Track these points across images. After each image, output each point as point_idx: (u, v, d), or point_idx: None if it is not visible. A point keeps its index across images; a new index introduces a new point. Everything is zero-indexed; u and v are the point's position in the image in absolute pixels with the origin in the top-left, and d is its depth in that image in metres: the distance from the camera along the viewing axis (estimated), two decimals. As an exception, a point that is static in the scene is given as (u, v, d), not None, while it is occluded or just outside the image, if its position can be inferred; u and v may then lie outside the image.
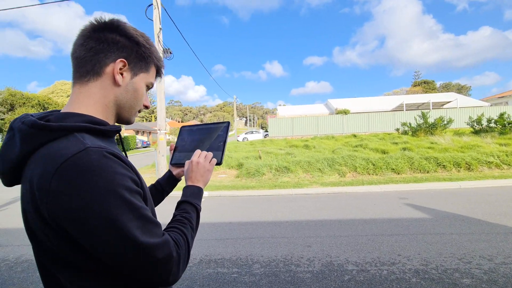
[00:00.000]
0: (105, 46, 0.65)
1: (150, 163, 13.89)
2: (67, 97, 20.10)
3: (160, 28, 9.23)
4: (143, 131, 42.92)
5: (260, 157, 10.65)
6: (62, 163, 0.51)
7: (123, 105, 0.71)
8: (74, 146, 0.54)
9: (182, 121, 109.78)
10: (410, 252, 3.15)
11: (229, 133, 1.04)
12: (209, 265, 3.07)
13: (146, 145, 36.43)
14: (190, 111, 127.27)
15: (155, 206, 1.01)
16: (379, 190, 6.56)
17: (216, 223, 4.56)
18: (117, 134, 0.75)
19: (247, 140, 29.38)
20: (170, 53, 9.45)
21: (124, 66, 0.68)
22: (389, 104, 32.02)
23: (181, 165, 1.03)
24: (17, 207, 6.39)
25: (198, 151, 0.92)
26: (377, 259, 3.02)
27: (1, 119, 15.21)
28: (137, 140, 33.51)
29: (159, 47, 9.10)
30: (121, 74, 0.68)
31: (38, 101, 16.87)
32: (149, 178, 9.41)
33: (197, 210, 0.80)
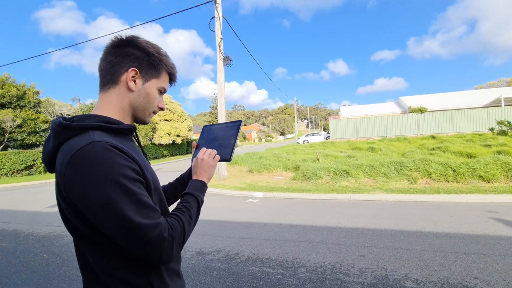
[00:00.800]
0: (120, 59, 0.77)
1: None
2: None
3: (221, 38, 9.89)
4: (210, 135, 46.56)
5: (318, 160, 10.30)
6: (73, 154, 0.63)
7: (137, 107, 0.82)
8: (84, 141, 0.65)
9: (245, 125, 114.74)
10: (492, 276, 2.59)
11: (239, 132, 1.08)
12: (255, 263, 3.13)
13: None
14: (253, 115, 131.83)
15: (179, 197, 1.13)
16: (459, 200, 5.57)
17: (267, 224, 4.62)
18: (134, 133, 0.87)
19: (308, 142, 28.76)
20: (230, 60, 10.03)
21: (136, 74, 0.79)
22: (480, 99, 26.88)
23: None
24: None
25: (203, 149, 0.99)
26: (445, 279, 2.58)
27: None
28: (204, 143, 36.41)
29: (219, 55, 9.78)
30: (134, 81, 0.79)
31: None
32: (212, 177, 10.13)
33: (198, 201, 0.87)
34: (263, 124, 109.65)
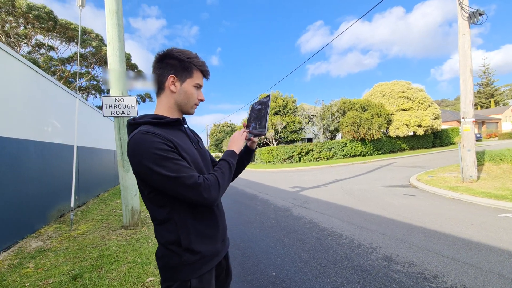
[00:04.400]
0: (162, 70, 1.05)
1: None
2: (383, 96, 22.34)
3: (464, -11, 7.29)
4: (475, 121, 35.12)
5: None
6: (129, 140, 0.98)
7: (180, 104, 1.08)
8: (135, 132, 0.97)
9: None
10: None
11: (269, 106, 1.18)
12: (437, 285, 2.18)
13: (477, 138, 29.48)
14: None
15: (239, 173, 1.33)
16: None
17: (492, 248, 2.91)
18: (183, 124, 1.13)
19: None
20: (480, 15, 7.10)
21: (174, 79, 1.04)
22: None
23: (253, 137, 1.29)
24: (335, 186, 8.63)
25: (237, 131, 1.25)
26: None
27: (338, 122, 20.79)
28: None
29: (461, 13, 7.27)
30: (174, 84, 1.05)
31: (360, 104, 20.70)
32: (453, 178, 7.85)
33: (228, 163, 1.10)
34: None
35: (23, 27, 16.33)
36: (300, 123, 21.59)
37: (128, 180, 4.50)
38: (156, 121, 1.01)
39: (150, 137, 0.91)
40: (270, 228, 4.49)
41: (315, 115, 21.67)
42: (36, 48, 18.35)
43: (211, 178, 0.97)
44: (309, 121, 22.14)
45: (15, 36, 16.46)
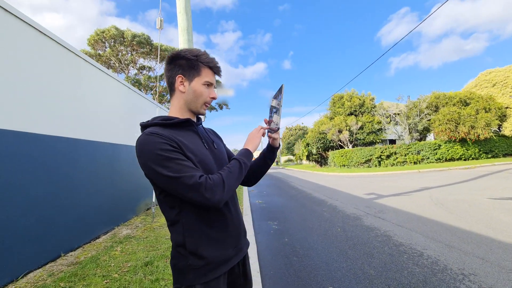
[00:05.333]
0: (171, 72, 1.05)
1: None
2: (493, 86, 17.87)
3: None
4: None
5: None
6: (137, 141, 0.98)
7: (189, 103, 1.06)
8: (142, 133, 0.99)
9: None
10: None
11: (282, 97, 1.09)
12: None
13: None
14: None
15: (263, 173, 1.26)
16: None
17: None
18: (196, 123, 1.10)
19: None
20: None
21: (182, 79, 1.03)
22: None
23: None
24: (421, 194, 7.36)
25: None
26: None
27: (428, 120, 17.77)
28: None
29: None
30: (183, 84, 1.04)
31: (459, 98, 17.13)
32: None
33: (240, 162, 1.02)
34: None
35: (130, 54, 20.22)
36: (380, 123, 19.36)
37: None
38: (164, 122, 1.01)
39: (153, 138, 0.90)
40: (335, 237, 4.12)
41: (398, 114, 19.05)
42: (140, 71, 22.43)
43: (215, 178, 0.91)
44: (390, 121, 19.58)
45: (125, 62, 20.53)
